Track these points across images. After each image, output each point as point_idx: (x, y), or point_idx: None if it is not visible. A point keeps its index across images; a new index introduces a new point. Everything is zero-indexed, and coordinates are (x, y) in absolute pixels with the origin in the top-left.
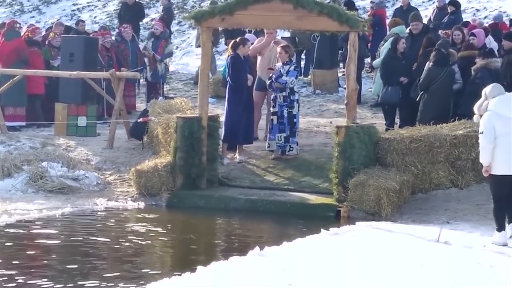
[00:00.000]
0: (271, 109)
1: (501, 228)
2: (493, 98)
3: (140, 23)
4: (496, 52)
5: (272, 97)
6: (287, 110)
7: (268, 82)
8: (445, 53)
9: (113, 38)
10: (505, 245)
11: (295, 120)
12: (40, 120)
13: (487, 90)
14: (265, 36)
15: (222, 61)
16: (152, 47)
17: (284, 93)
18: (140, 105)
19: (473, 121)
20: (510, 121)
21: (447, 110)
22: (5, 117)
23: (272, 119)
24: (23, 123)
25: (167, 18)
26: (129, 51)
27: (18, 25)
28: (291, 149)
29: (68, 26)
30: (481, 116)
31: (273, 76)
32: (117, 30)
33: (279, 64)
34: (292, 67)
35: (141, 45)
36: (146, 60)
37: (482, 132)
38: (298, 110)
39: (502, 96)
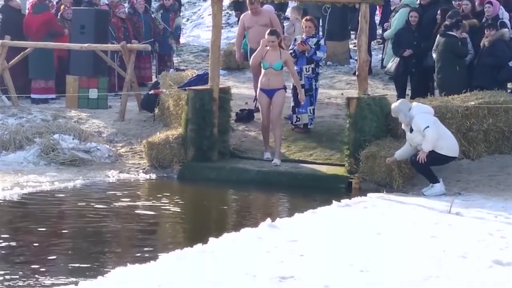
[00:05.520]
0: None
1: (437, 180)
2: (409, 109)
3: None
4: (508, 23)
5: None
6: (314, 82)
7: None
8: (448, 23)
9: (126, 10)
10: (444, 193)
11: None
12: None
13: (398, 105)
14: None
15: (233, 33)
16: (162, 20)
17: (312, 65)
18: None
19: (485, 92)
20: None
21: (457, 80)
22: (36, 90)
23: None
24: (53, 96)
25: None
26: (142, 23)
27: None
28: (312, 123)
29: None
30: (407, 123)
31: (308, 54)
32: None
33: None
34: (322, 41)
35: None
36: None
37: (428, 126)
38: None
39: (417, 103)
